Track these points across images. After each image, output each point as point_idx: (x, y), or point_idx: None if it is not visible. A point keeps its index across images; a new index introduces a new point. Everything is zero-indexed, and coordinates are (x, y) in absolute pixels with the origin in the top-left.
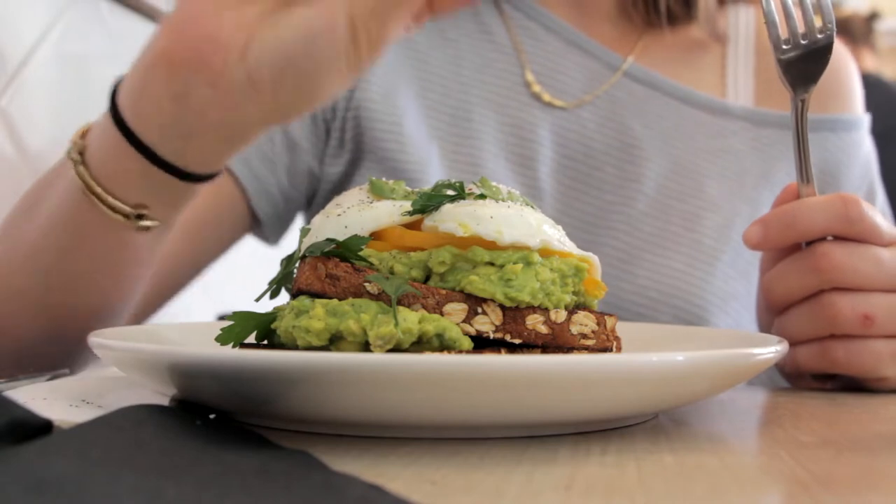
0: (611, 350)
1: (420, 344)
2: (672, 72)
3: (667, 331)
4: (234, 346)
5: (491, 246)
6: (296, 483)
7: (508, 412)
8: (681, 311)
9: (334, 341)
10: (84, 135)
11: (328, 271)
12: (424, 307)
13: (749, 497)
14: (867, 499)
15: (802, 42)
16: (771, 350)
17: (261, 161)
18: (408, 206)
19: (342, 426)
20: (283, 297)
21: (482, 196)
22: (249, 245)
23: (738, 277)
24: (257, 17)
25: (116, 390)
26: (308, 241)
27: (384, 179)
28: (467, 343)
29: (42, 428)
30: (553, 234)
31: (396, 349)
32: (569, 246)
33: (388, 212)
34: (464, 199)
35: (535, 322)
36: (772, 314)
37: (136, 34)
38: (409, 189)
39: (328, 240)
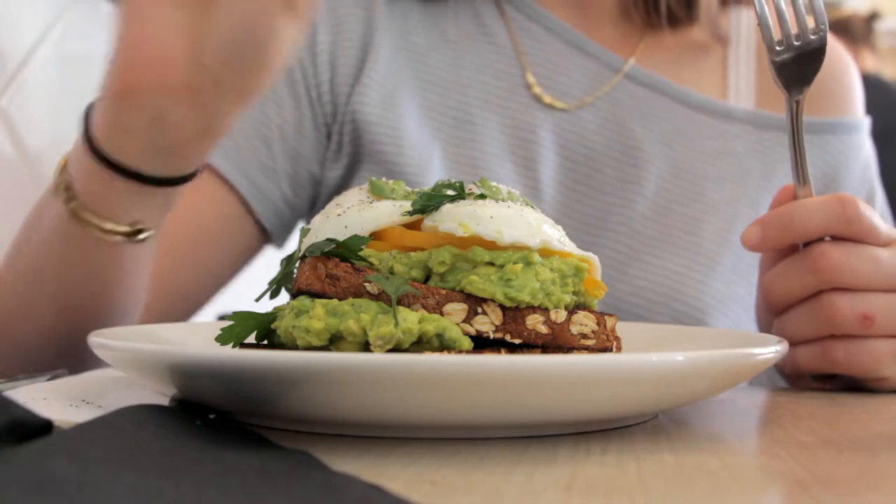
0: (611, 350)
1: (420, 344)
2: (673, 74)
3: (667, 331)
4: (234, 346)
5: (491, 246)
6: (296, 483)
7: (508, 412)
8: (679, 313)
9: (334, 341)
10: (63, 168)
11: (328, 271)
12: (424, 307)
13: (749, 497)
14: (867, 499)
15: (796, 43)
16: (771, 350)
17: (262, 173)
18: (408, 206)
19: (342, 426)
20: (283, 297)
21: (482, 196)
22: None
23: (739, 280)
24: (193, 21)
25: (116, 390)
26: (308, 241)
27: (384, 179)
28: (467, 343)
29: (42, 428)
30: (553, 234)
31: (396, 349)
32: (569, 246)
33: (388, 212)
34: (464, 199)
35: (535, 322)
36: (771, 315)
37: None
38: (409, 189)
39: (328, 240)
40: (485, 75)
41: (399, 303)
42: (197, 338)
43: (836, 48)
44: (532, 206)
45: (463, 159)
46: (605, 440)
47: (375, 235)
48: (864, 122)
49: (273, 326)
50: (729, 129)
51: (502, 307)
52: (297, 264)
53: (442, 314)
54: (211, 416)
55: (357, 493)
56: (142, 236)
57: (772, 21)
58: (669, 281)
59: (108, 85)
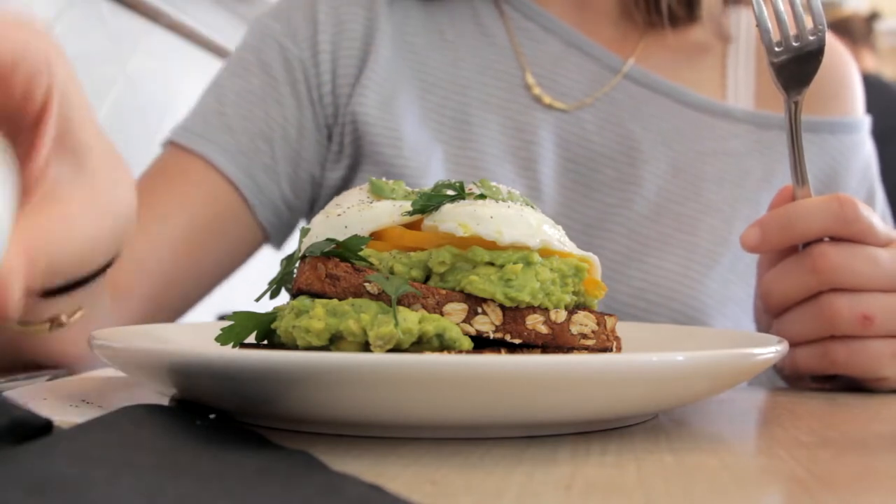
0: (611, 350)
1: (420, 344)
2: (673, 74)
3: (667, 331)
4: (234, 346)
5: (491, 246)
6: (296, 483)
7: (508, 412)
8: (677, 313)
9: (334, 341)
10: None
11: (328, 271)
12: (424, 307)
13: (749, 497)
14: (867, 499)
15: (794, 45)
16: (771, 350)
17: (264, 173)
18: (408, 206)
19: (342, 426)
20: (283, 297)
21: (482, 196)
22: None
23: (738, 281)
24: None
25: (116, 390)
26: (308, 241)
27: (384, 179)
28: (467, 343)
29: (42, 428)
30: (553, 234)
31: (396, 349)
32: (569, 246)
33: (388, 212)
34: (464, 199)
35: (535, 322)
36: (770, 316)
37: (135, 34)
38: (409, 189)
39: (328, 240)
40: (484, 76)
41: (399, 303)
42: (197, 338)
43: (836, 47)
44: (532, 207)
45: (463, 160)
46: (605, 440)
47: (375, 235)
48: (865, 122)
49: (273, 326)
50: (728, 128)
51: (502, 307)
52: (297, 264)
53: (442, 314)
54: (211, 416)
55: (357, 493)
56: (72, 320)
57: (770, 22)
58: (668, 281)
59: None
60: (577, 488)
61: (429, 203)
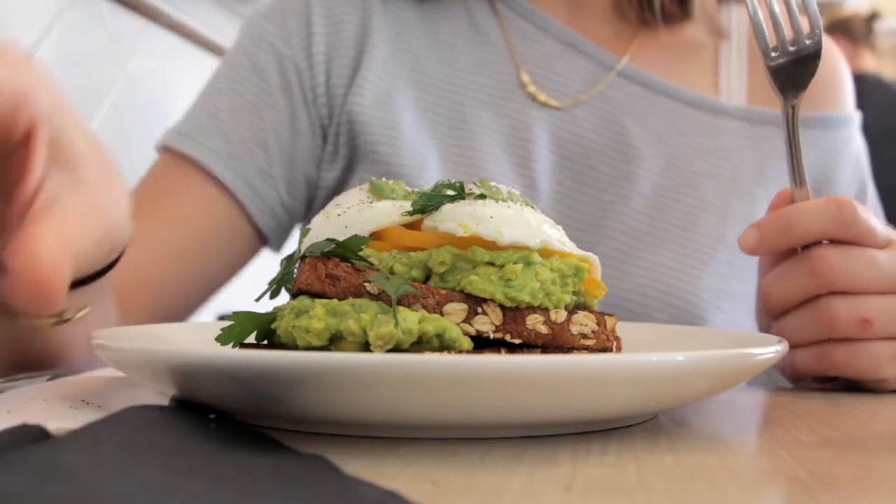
0: (611, 350)
1: (420, 344)
2: (666, 71)
3: (667, 331)
4: (234, 346)
5: (491, 246)
6: (311, 487)
7: (508, 412)
8: (675, 308)
9: (334, 341)
10: None
11: (328, 271)
12: (424, 307)
13: (749, 497)
14: (867, 499)
15: (791, 48)
16: (771, 350)
17: (261, 178)
18: (408, 206)
19: (342, 426)
20: (283, 297)
21: (482, 196)
22: None
23: (735, 276)
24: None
25: (116, 390)
26: (308, 241)
27: (383, 179)
28: (467, 343)
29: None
30: (553, 234)
31: (396, 349)
32: (569, 246)
33: (388, 212)
34: (464, 199)
35: (535, 322)
36: (770, 318)
37: (135, 34)
38: (409, 189)
39: (328, 240)
40: (479, 75)
41: (399, 303)
42: (197, 338)
43: (825, 44)
44: (532, 207)
45: (459, 159)
46: (605, 440)
47: (375, 235)
48: (855, 117)
49: (273, 326)
50: (722, 125)
51: (502, 307)
52: (296, 264)
53: (442, 314)
54: (211, 416)
55: (374, 498)
56: (77, 316)
57: (766, 26)
58: (664, 277)
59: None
60: (577, 488)
61: (429, 203)
